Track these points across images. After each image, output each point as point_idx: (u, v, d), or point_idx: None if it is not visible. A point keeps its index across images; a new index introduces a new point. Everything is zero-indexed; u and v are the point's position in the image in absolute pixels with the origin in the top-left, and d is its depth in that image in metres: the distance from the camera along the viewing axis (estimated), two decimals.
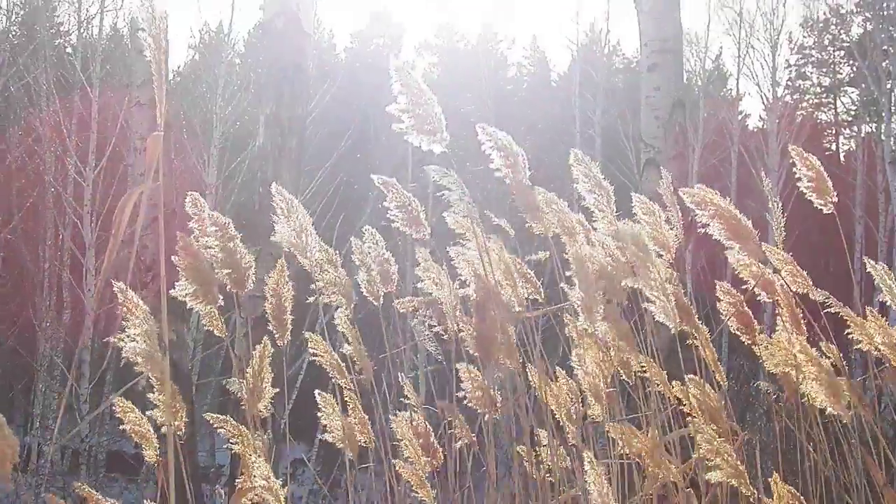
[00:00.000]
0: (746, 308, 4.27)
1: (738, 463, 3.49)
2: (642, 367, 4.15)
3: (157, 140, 2.37)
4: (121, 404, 4.09)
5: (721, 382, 4.11)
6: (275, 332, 4.04)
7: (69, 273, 24.81)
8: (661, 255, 3.98)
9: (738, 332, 4.29)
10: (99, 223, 23.76)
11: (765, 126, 31.76)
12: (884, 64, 27.81)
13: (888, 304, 4.13)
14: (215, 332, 4.02)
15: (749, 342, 4.24)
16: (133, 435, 4.03)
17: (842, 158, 38.96)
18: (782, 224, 4.52)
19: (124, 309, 3.32)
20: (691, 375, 3.97)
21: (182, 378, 7.90)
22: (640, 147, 7.60)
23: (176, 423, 4.03)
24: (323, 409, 4.41)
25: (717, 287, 4.36)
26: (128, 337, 3.28)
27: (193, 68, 35.56)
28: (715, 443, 3.50)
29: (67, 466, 25.42)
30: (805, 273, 4.20)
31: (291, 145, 7.58)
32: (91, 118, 23.94)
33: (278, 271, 4.06)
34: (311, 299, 4.38)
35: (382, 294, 4.47)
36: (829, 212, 4.05)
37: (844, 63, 38.08)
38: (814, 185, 4.12)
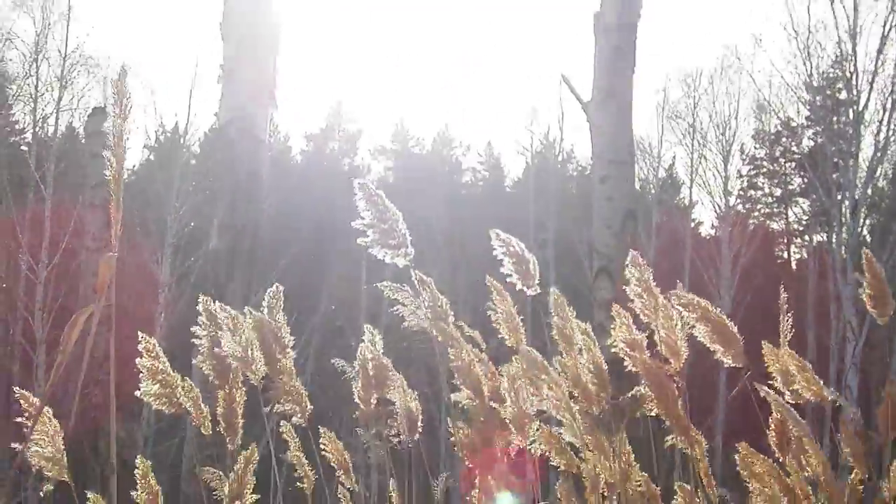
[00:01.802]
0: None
1: None
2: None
3: (110, 262, 2.38)
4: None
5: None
6: (226, 435, 4.02)
7: (19, 368, 24.65)
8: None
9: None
10: (51, 319, 23.67)
11: (717, 234, 32.07)
12: (834, 176, 28.18)
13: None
14: (203, 430, 3.99)
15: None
16: None
17: (794, 266, 39.29)
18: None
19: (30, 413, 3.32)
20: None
21: (131, 475, 7.81)
22: (592, 255, 7.68)
23: None
24: None
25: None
26: (34, 442, 3.29)
27: (149, 168, 35.62)
28: None
29: None
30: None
31: (244, 248, 7.60)
32: (45, 216, 23.92)
33: (232, 378, 4.04)
34: (266, 409, 4.36)
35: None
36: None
37: (796, 174, 38.53)
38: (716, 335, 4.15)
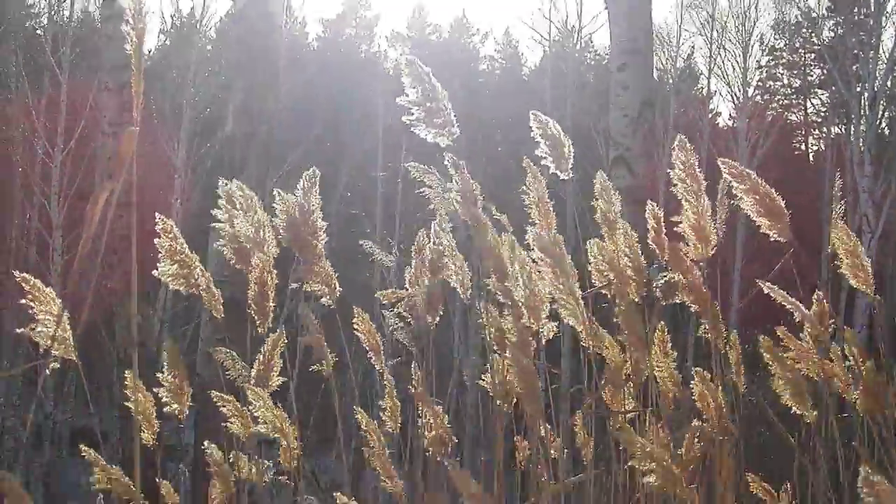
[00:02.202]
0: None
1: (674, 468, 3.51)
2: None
3: (131, 137, 2.37)
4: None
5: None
6: (256, 319, 4.03)
7: (36, 252, 24.78)
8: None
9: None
10: (66, 204, 23.73)
11: (735, 125, 31.85)
12: (853, 67, 27.95)
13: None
14: (214, 312, 3.99)
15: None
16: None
17: (811, 158, 39.12)
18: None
19: (33, 297, 3.34)
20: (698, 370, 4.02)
21: (148, 362, 7.89)
22: (609, 144, 7.65)
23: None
24: None
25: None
26: (40, 322, 3.31)
27: (164, 53, 35.41)
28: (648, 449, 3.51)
29: (31, 443, 25.43)
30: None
31: (260, 134, 7.58)
32: (60, 101, 23.87)
33: (263, 263, 4.04)
34: (293, 285, 4.37)
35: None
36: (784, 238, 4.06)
37: (815, 66, 38.23)
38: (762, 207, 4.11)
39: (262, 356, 4.06)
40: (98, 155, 17.05)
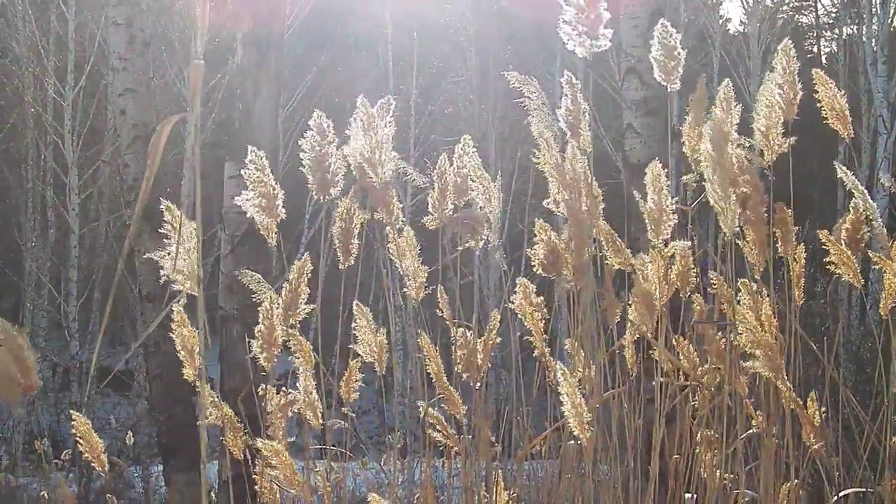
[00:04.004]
0: None
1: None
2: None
3: (199, 69, 2.35)
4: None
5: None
6: (341, 256, 4.05)
7: (52, 192, 24.85)
8: None
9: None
10: (80, 142, 23.76)
11: (746, 30, 31.60)
12: None
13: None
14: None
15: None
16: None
17: (823, 61, 38.88)
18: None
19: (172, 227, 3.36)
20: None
21: (168, 294, 7.90)
22: (620, 55, 7.59)
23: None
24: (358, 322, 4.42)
25: None
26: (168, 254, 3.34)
27: None
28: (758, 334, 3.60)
29: (59, 384, 25.62)
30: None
31: (270, 62, 7.54)
32: (69, 38, 23.81)
33: (350, 196, 4.06)
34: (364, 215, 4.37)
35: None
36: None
37: None
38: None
39: (289, 284, 4.07)
40: (109, 91, 17.01)
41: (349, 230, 4.02)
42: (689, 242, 4.42)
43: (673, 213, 4.09)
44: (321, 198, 3.90)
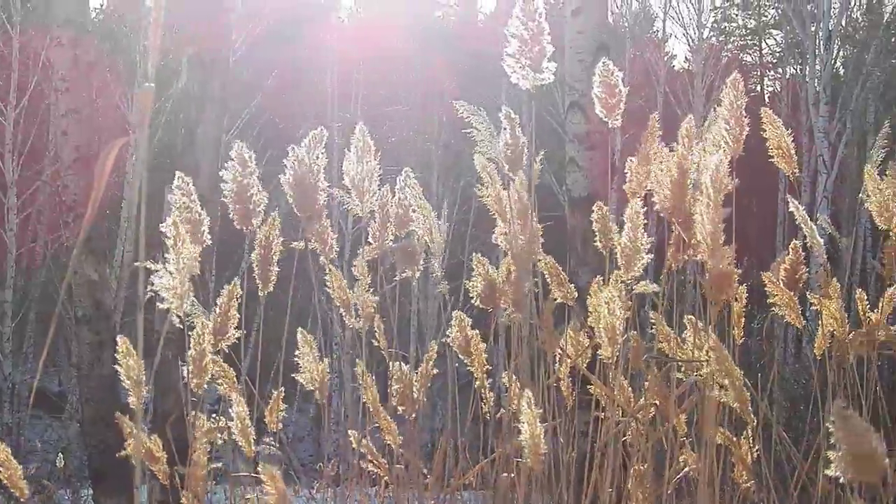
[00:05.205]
0: None
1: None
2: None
3: (148, 92, 2.34)
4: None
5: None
6: (259, 282, 4.05)
7: None
8: None
9: None
10: (20, 162, 23.61)
11: (690, 67, 31.86)
12: (808, 6, 27.96)
13: (809, 244, 4.27)
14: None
15: None
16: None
17: (766, 100, 39.23)
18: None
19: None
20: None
21: (104, 318, 7.86)
22: (564, 89, 7.63)
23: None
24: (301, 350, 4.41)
25: None
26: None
27: (116, 7, 35.06)
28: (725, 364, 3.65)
29: None
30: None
31: (215, 86, 7.52)
32: (13, 57, 23.71)
33: (270, 223, 4.06)
34: (298, 245, 4.36)
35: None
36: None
37: (770, 5, 38.28)
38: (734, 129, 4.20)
39: (218, 308, 4.06)
40: (52, 111, 16.92)
41: (268, 258, 4.02)
42: (657, 286, 4.46)
43: (648, 251, 4.13)
44: (243, 228, 3.89)
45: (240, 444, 4.00)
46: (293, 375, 4.39)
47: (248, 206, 3.87)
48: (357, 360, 4.51)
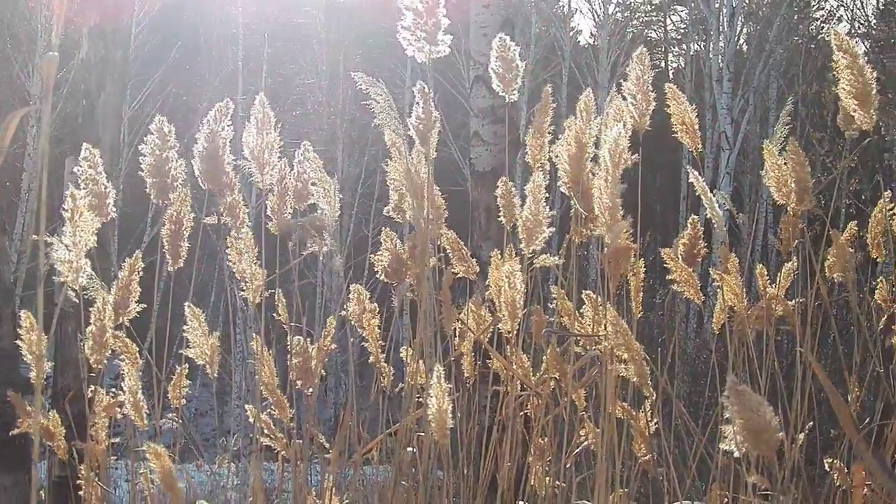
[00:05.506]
0: None
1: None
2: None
3: (52, 61, 2.31)
4: None
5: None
6: (169, 258, 4.01)
7: None
8: None
9: None
10: None
11: (596, 43, 32.00)
12: None
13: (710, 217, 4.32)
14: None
15: None
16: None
17: (671, 76, 39.51)
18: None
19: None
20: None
21: (4, 291, 7.75)
22: (469, 63, 7.63)
23: None
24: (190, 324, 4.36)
25: None
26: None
27: None
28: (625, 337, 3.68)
29: None
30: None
31: (116, 57, 7.43)
32: None
33: (180, 199, 4.01)
34: (210, 220, 4.33)
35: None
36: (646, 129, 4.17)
37: None
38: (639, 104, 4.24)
39: (119, 281, 4.02)
40: None
41: (178, 233, 3.99)
42: (558, 258, 4.47)
43: (549, 224, 4.14)
44: (160, 202, 3.86)
45: (132, 418, 3.96)
46: (180, 352, 4.35)
47: (166, 180, 3.84)
48: (255, 334, 4.47)
